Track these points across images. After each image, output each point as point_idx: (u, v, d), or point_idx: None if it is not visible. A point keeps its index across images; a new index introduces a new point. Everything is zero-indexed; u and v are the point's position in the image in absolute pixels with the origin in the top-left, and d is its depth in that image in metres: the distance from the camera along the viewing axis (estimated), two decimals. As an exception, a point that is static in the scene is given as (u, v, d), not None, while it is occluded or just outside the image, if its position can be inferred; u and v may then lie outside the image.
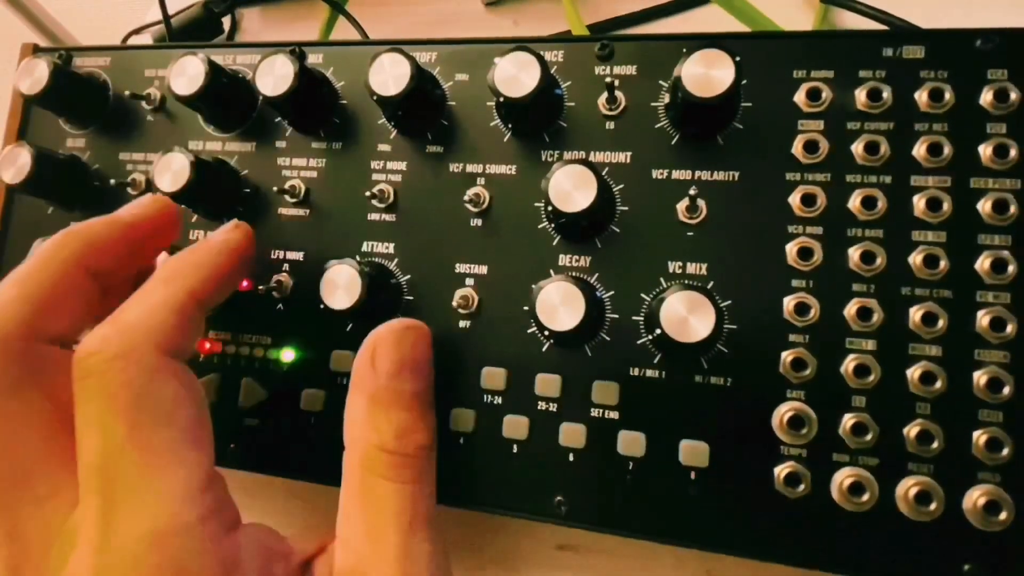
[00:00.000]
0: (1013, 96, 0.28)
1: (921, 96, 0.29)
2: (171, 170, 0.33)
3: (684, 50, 0.29)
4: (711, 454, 0.29)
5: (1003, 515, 0.26)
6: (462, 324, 0.32)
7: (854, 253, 0.29)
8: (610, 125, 0.32)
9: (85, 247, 0.28)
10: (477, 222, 0.33)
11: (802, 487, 0.27)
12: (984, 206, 0.28)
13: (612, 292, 0.31)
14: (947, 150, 0.29)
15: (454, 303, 0.32)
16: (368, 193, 0.34)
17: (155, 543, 0.22)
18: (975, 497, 0.26)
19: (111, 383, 0.23)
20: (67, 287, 0.27)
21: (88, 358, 0.24)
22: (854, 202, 0.29)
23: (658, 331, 0.26)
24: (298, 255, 0.35)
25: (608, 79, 0.32)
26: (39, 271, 0.27)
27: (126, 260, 0.30)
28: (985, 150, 0.28)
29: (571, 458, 0.30)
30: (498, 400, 0.31)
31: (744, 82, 0.31)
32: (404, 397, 0.28)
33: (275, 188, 0.36)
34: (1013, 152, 0.28)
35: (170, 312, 0.25)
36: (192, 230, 0.37)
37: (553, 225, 0.32)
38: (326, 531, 0.28)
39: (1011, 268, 0.27)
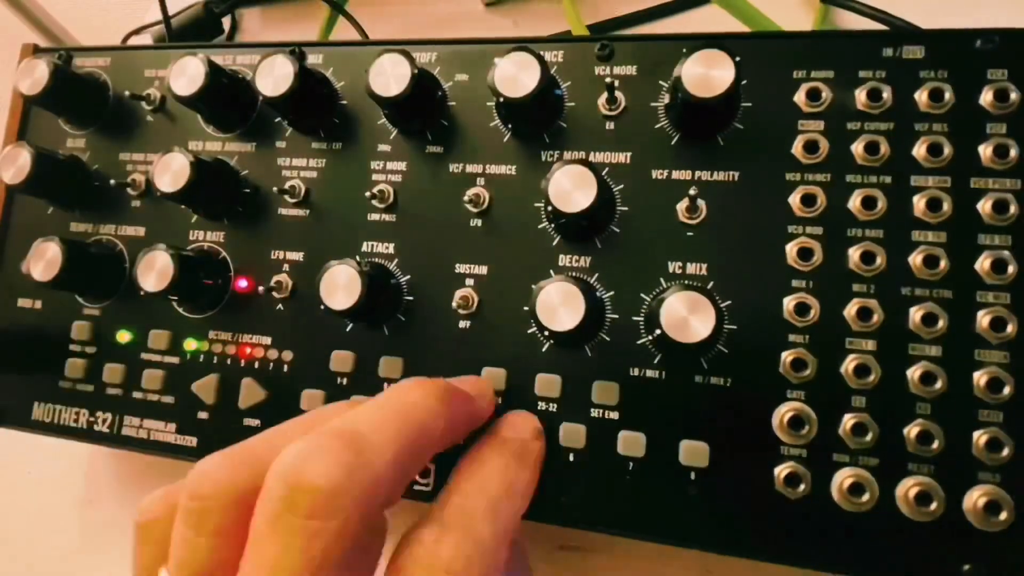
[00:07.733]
0: (1013, 96, 0.28)
1: (921, 96, 0.29)
2: (171, 170, 0.33)
3: (684, 50, 0.28)
4: (711, 454, 0.29)
5: (1003, 515, 0.26)
6: (462, 324, 0.32)
7: (854, 253, 0.29)
8: (610, 125, 0.32)
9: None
10: (477, 222, 0.33)
11: (802, 487, 0.27)
12: (984, 206, 0.28)
13: (612, 292, 0.31)
14: (947, 150, 0.29)
15: (454, 303, 0.32)
16: (368, 193, 0.34)
17: None
18: (975, 497, 0.26)
19: None
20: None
21: None
22: (854, 202, 0.29)
23: (658, 331, 0.26)
24: (298, 255, 0.35)
25: (608, 79, 0.32)
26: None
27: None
28: (985, 150, 0.28)
29: (571, 458, 0.30)
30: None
31: (744, 82, 0.31)
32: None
33: (275, 188, 0.36)
34: (1013, 152, 0.28)
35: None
36: (192, 230, 0.37)
37: (553, 225, 0.32)
38: None
39: (1011, 268, 0.27)
